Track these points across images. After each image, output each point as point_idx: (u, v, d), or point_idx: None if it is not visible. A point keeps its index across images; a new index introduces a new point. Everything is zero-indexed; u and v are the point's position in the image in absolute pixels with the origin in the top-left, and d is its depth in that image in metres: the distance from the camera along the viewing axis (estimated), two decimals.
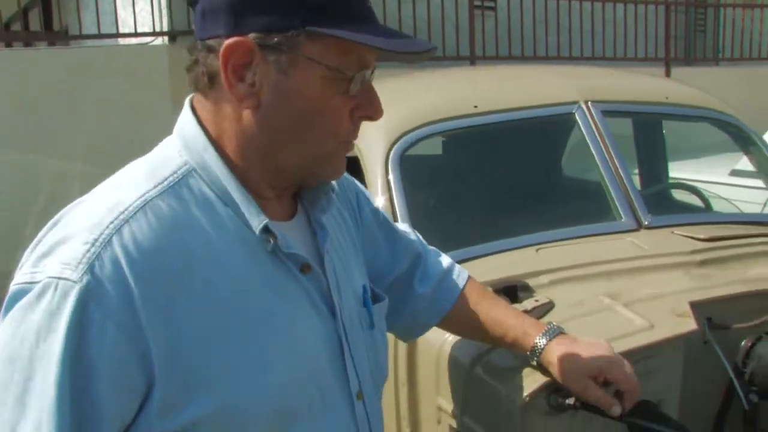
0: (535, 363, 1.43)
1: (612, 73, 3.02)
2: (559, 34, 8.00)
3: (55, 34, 6.65)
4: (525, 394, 1.44)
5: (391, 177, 2.10)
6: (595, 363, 1.36)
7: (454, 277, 1.50)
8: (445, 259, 1.53)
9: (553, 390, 1.46)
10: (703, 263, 1.94)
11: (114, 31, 6.54)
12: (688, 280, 1.86)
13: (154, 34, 6.52)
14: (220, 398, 0.95)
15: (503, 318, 1.46)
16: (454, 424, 1.64)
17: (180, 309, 0.93)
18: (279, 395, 1.01)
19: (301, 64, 0.99)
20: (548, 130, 2.45)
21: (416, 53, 1.03)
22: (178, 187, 1.00)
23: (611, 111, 2.39)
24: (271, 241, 1.02)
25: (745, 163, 4.63)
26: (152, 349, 0.91)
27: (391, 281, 1.43)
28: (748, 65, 9.66)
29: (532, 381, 1.46)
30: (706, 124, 2.66)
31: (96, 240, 0.91)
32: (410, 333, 1.54)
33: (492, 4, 8.36)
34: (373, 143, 2.19)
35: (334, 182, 1.22)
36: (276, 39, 0.98)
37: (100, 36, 6.45)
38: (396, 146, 2.16)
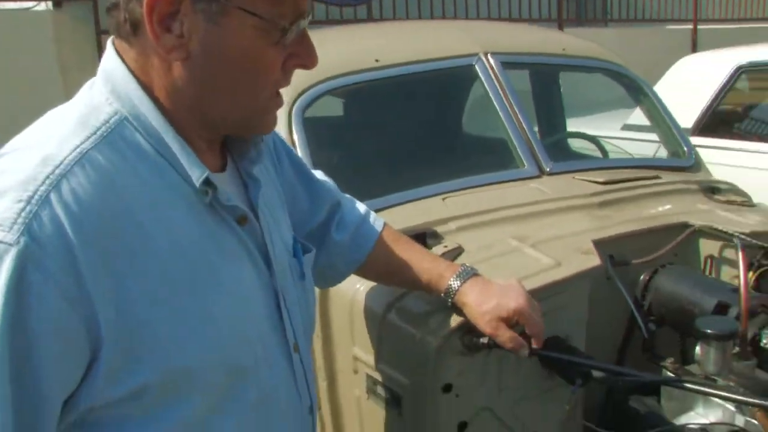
0: (449, 304, 1.45)
1: (511, 26, 3.07)
2: None
3: None
4: (439, 335, 1.47)
5: (295, 137, 2.07)
6: (506, 305, 1.39)
7: (371, 223, 1.50)
8: (361, 207, 1.53)
9: (467, 330, 1.49)
10: (603, 204, 2.02)
11: None
12: (590, 220, 1.93)
13: None
14: (168, 360, 0.91)
15: (418, 261, 1.47)
16: (371, 373, 1.66)
17: (125, 268, 0.88)
18: (227, 352, 0.98)
19: (232, 13, 0.93)
20: (450, 82, 2.47)
21: None
22: (112, 138, 0.93)
23: (511, 62, 2.43)
24: (210, 194, 0.98)
25: (636, 117, 4.84)
26: (98, 312, 0.85)
27: (310, 230, 1.42)
28: (634, 26, 10.03)
29: (445, 323, 1.48)
30: (601, 79, 2.74)
31: (31, 197, 0.84)
32: (328, 281, 1.54)
33: None
34: None
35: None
36: None
37: None
38: (297, 104, 2.13)
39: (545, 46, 2.62)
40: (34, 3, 6.19)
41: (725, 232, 1.84)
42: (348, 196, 1.54)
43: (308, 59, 1.04)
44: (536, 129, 3.29)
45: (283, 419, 1.10)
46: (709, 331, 1.44)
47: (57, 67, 5.88)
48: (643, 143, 3.55)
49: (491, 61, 2.36)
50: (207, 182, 0.98)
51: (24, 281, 0.81)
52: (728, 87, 4.99)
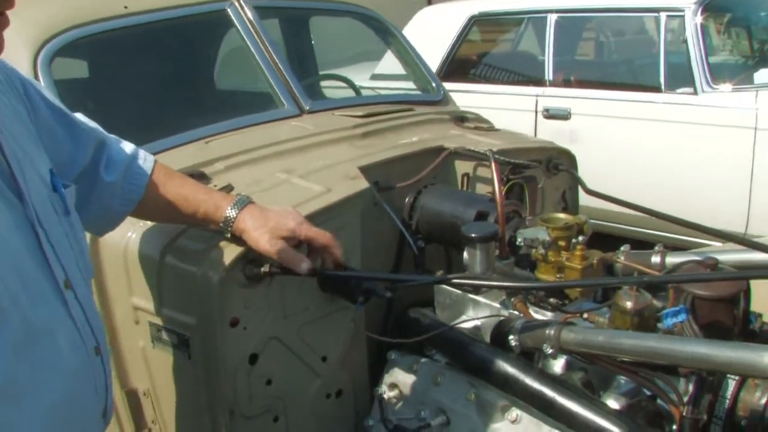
0: (228, 235, 1.44)
1: None
2: None
3: None
4: (220, 270, 1.46)
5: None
6: (284, 224, 1.42)
7: (141, 162, 1.44)
8: (128, 146, 1.46)
9: (248, 261, 1.50)
10: (365, 135, 2.10)
11: None
12: (354, 150, 2.00)
13: None
14: None
15: (193, 195, 1.45)
16: (154, 320, 1.61)
17: None
18: None
19: None
20: (204, 28, 2.41)
21: None
22: None
23: (263, 7, 2.42)
24: None
25: (383, 67, 5.07)
26: None
27: (78, 173, 1.34)
28: None
29: (225, 256, 1.48)
30: (352, 24, 2.83)
31: None
32: (104, 226, 1.46)
33: None
34: (13, 53, 1.97)
35: None
36: None
37: None
38: (42, 53, 1.97)
39: None
40: None
41: (477, 152, 1.99)
42: (113, 136, 1.46)
43: None
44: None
45: (62, 359, 1.04)
46: (473, 235, 1.57)
47: None
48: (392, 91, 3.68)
49: (244, 5, 2.34)
50: None
51: None
52: (463, 36, 5.38)
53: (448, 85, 3.14)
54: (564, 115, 4.66)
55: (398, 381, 1.69)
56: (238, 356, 1.53)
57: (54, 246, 1.07)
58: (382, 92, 3.83)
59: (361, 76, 4.99)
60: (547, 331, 1.37)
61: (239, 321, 1.51)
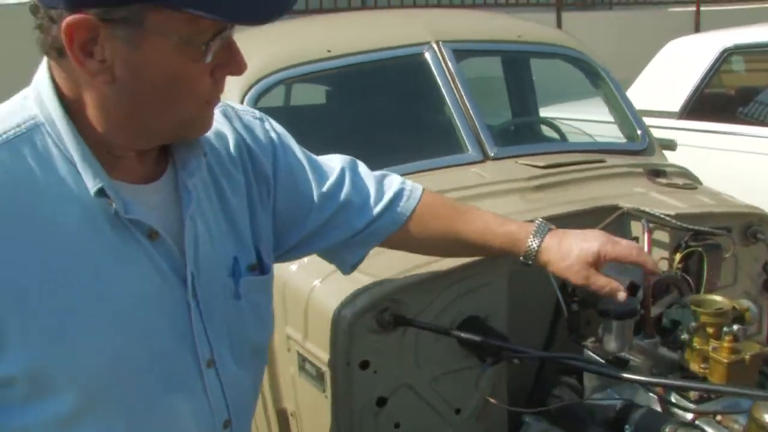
0: (530, 264, 1.40)
1: (467, 13, 3.12)
2: None
3: None
4: (352, 313, 1.54)
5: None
6: (589, 250, 1.34)
7: (403, 202, 1.42)
8: (392, 183, 1.44)
9: (383, 309, 1.56)
10: (539, 188, 2.06)
11: None
12: (523, 203, 1.98)
13: None
14: (29, 357, 0.96)
15: (484, 227, 1.41)
16: (301, 351, 1.73)
17: None
18: (106, 360, 1.01)
19: (151, 36, 0.94)
20: (400, 71, 2.52)
21: (270, 14, 0.99)
22: (18, 141, 0.98)
23: (463, 50, 2.48)
24: (113, 205, 1.00)
25: (589, 109, 4.74)
26: None
27: (327, 218, 1.36)
28: (638, 9, 9.96)
29: (360, 300, 1.55)
30: (564, 66, 2.78)
31: None
32: (357, 256, 1.45)
33: None
34: (225, 92, 2.22)
35: (205, 143, 1.16)
36: (118, 14, 0.93)
37: None
38: (249, 95, 2.19)
39: (500, 33, 2.66)
40: None
41: (652, 214, 1.88)
42: (379, 173, 1.46)
43: (236, 67, 1.04)
44: (509, 113, 3.36)
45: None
46: (607, 309, 1.49)
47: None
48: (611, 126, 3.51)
49: (442, 48, 2.41)
50: (103, 193, 0.99)
51: None
52: (714, 70, 4.98)
53: (694, 125, 2.89)
54: None
55: None
56: (366, 397, 1.60)
57: (207, 327, 1.12)
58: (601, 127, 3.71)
59: (591, 109, 4.83)
60: (662, 428, 1.28)
61: (369, 364, 1.58)
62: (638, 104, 4.27)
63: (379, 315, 1.55)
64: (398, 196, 1.42)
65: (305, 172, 1.35)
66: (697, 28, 9.73)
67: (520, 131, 2.98)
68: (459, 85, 2.35)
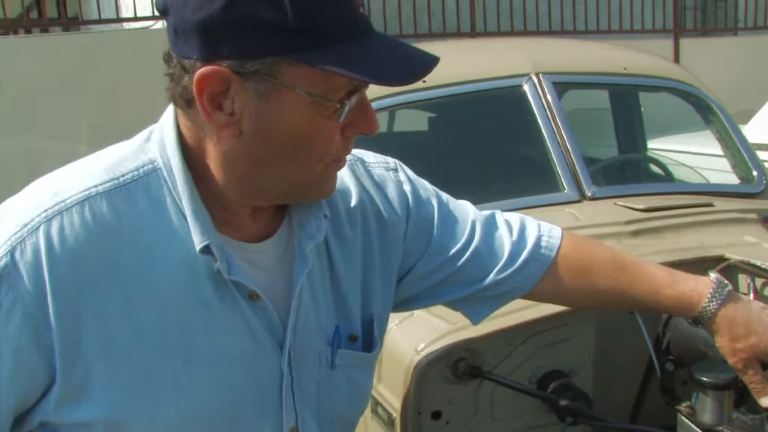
0: (697, 325, 1.28)
1: (572, 44, 3.00)
2: (563, 7, 7.90)
3: (55, 21, 6.73)
4: (426, 362, 1.47)
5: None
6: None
7: (542, 251, 1.28)
8: (530, 231, 1.30)
9: (459, 358, 1.49)
10: (637, 233, 1.94)
11: (115, 16, 6.60)
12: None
13: (154, 18, 6.57)
14: (111, 409, 0.95)
15: (650, 288, 1.27)
16: (375, 394, 1.67)
17: (90, 312, 0.92)
18: (186, 417, 0.98)
19: (282, 91, 0.91)
20: (499, 103, 2.44)
21: (412, 77, 0.92)
22: (133, 186, 0.96)
23: (564, 83, 2.38)
24: (217, 263, 0.96)
25: (703, 142, 4.48)
26: (56, 343, 0.90)
27: (453, 272, 1.26)
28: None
29: (434, 347, 1.48)
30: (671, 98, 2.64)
31: (26, 224, 0.91)
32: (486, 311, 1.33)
33: None
34: None
35: (326, 203, 1.09)
36: (253, 67, 0.89)
37: (100, 21, 6.52)
38: None
39: (604, 65, 2.55)
40: (153, 22, 6.60)
41: (761, 268, 1.72)
42: (514, 215, 1.34)
43: (367, 127, 0.98)
44: (614, 147, 3.21)
45: None
46: (704, 379, 1.36)
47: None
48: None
49: (543, 81, 2.32)
50: (208, 250, 0.96)
51: None
52: None
53: None
54: None
55: None
56: None
57: (295, 393, 1.07)
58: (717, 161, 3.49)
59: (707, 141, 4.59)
60: None
61: (441, 414, 1.51)
62: (762, 137, 3.98)
63: (454, 365, 1.48)
64: (536, 246, 1.28)
65: (438, 225, 1.26)
66: None
67: (623, 169, 2.83)
68: (558, 120, 2.25)
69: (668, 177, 2.75)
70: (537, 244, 1.29)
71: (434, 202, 1.27)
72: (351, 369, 1.14)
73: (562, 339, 1.56)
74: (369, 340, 1.17)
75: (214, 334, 0.99)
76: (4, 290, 0.89)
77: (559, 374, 1.56)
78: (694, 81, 2.62)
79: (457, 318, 1.52)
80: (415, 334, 1.54)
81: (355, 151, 1.23)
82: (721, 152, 2.60)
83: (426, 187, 1.29)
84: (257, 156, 0.96)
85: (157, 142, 1.00)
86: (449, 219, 1.27)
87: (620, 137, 3.29)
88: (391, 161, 1.28)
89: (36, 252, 0.90)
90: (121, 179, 0.96)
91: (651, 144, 3.41)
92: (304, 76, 0.90)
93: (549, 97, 2.29)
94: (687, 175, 3.02)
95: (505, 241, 1.28)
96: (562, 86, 2.36)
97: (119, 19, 6.67)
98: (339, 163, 1.02)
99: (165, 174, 0.98)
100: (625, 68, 2.54)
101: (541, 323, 1.52)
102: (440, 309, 1.41)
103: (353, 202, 1.16)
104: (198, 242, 0.95)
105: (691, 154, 3.39)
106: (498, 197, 2.12)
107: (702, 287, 1.25)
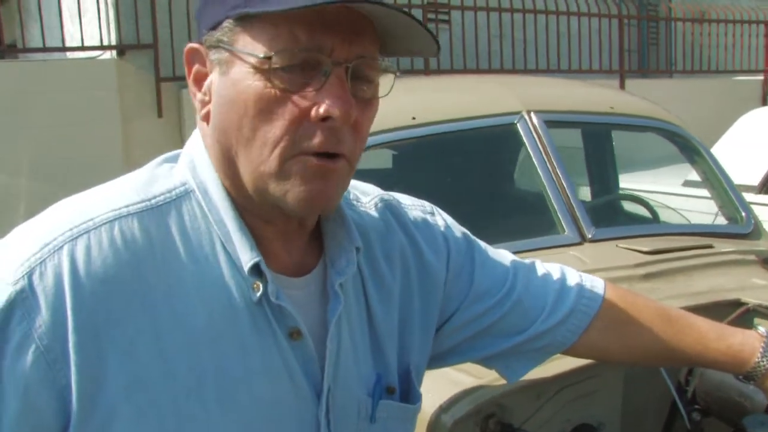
0: (747, 382, 1.22)
1: (557, 82, 2.98)
2: (514, 47, 8.01)
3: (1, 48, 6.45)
4: (453, 420, 1.36)
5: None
6: None
7: (585, 302, 1.20)
8: (572, 281, 1.22)
9: (488, 415, 1.39)
10: (647, 277, 1.88)
11: (61, 45, 6.36)
12: None
13: (101, 47, 6.35)
14: None
15: (698, 341, 1.20)
16: None
17: (117, 347, 0.80)
18: None
19: (235, 61, 0.84)
20: (490, 141, 2.38)
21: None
22: (166, 208, 0.87)
23: (554, 121, 2.33)
24: (260, 288, 0.87)
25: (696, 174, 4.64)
26: (74, 383, 0.79)
27: (500, 317, 1.17)
28: (700, 77, 9.79)
29: (463, 403, 1.38)
30: (654, 137, 2.62)
31: (48, 243, 0.80)
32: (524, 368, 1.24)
33: (446, 17, 8.34)
34: None
35: (359, 237, 1.00)
36: (214, 36, 0.86)
37: (45, 50, 6.27)
38: None
39: (592, 104, 2.52)
40: (100, 53, 6.40)
41: None
42: (553, 266, 1.25)
43: (326, 105, 0.83)
44: (588, 189, 3.19)
45: None
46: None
47: (119, 115, 6.04)
48: (707, 201, 3.35)
49: (534, 119, 2.27)
50: (257, 271, 0.87)
51: (7, 329, 0.78)
52: None
53: None
54: None
55: None
56: None
57: None
58: (695, 202, 3.50)
59: (674, 180, 4.65)
60: None
61: None
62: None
63: (483, 422, 1.38)
64: (580, 297, 1.20)
65: (478, 271, 1.16)
66: (765, 99, 9.50)
67: (607, 209, 2.80)
68: (553, 160, 2.19)
69: (654, 217, 2.73)
70: (580, 294, 1.21)
71: (473, 248, 1.20)
72: (391, 422, 1.05)
73: (591, 391, 1.48)
74: (407, 392, 1.08)
75: (250, 374, 0.88)
76: (17, 320, 0.78)
77: (589, 428, 1.47)
78: (678, 122, 2.61)
79: (479, 370, 1.42)
80: (440, 391, 1.42)
81: (391, 194, 1.16)
82: (698, 192, 2.59)
83: (463, 231, 1.21)
84: (221, 143, 0.89)
85: (187, 164, 0.92)
86: (488, 265, 1.19)
87: (593, 176, 3.28)
88: (427, 205, 1.21)
89: (58, 275, 0.79)
90: (153, 201, 0.88)
91: (622, 182, 3.40)
92: (253, 38, 0.84)
93: (542, 136, 2.24)
94: (670, 215, 3.01)
95: (547, 290, 1.21)
96: (552, 124, 2.31)
97: (64, 48, 6.42)
98: (308, 160, 0.85)
99: (199, 196, 0.90)
100: (611, 107, 2.51)
101: (573, 375, 1.43)
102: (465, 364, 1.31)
103: (392, 242, 1.08)
104: (247, 260, 0.87)
105: (673, 195, 3.39)
106: (497, 240, 2.03)
107: (752, 341, 1.20)
